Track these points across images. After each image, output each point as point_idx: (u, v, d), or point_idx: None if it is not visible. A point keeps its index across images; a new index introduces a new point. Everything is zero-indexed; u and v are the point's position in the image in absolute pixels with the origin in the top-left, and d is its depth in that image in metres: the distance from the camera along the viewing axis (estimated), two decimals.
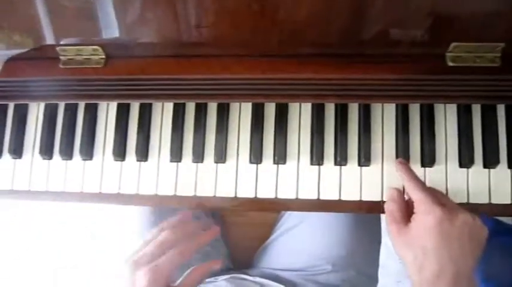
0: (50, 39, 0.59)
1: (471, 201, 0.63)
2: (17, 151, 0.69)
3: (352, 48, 0.57)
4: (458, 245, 0.53)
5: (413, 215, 0.56)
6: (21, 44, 0.60)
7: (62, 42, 0.60)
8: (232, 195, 0.67)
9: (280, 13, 0.53)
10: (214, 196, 0.67)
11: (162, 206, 0.78)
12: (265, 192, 0.66)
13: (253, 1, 0.52)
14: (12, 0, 0.55)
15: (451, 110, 0.65)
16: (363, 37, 0.57)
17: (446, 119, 0.65)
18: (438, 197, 0.57)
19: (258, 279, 0.80)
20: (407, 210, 0.59)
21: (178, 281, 0.60)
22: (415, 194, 0.57)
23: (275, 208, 0.67)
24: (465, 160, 0.63)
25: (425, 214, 0.54)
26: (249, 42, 0.57)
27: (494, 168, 0.63)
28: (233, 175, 0.67)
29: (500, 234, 1.06)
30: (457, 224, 0.53)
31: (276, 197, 0.66)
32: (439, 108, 0.65)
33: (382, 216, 0.75)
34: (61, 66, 0.60)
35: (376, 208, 0.65)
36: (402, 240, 0.56)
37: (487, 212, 0.64)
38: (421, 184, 0.59)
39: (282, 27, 0.55)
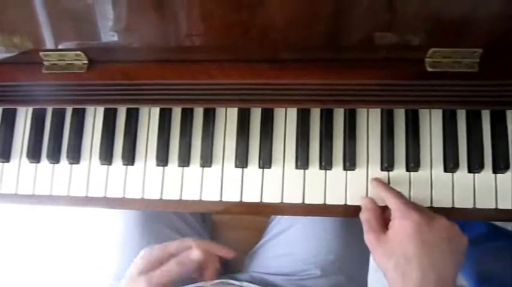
0: (47, 42, 0.59)
1: (456, 206, 0.63)
2: (4, 154, 0.69)
3: (332, 54, 0.57)
4: (438, 251, 0.53)
5: (390, 222, 0.57)
6: (20, 47, 0.60)
7: (55, 47, 0.60)
8: (218, 199, 0.67)
9: (259, 18, 0.53)
10: (200, 200, 0.67)
11: (149, 210, 0.78)
12: (251, 196, 0.66)
13: (233, 7, 0.53)
14: (9, 2, 0.56)
15: (436, 115, 0.65)
16: (343, 42, 0.57)
17: (431, 123, 0.65)
18: (416, 205, 0.57)
19: (245, 284, 0.79)
20: (384, 219, 0.59)
21: None
22: (391, 202, 0.58)
23: (260, 211, 0.67)
24: (450, 165, 0.63)
25: (402, 219, 0.55)
26: (229, 48, 0.57)
27: (479, 173, 0.63)
28: (219, 179, 0.67)
29: (494, 238, 1.06)
30: (435, 229, 0.53)
31: (261, 201, 0.66)
32: (424, 113, 0.65)
33: None
34: (44, 71, 0.61)
35: None
36: (382, 249, 0.56)
37: (474, 217, 0.64)
38: (398, 193, 0.59)
39: (262, 32, 0.55)
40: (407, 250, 0.53)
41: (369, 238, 0.58)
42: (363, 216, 0.61)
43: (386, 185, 0.62)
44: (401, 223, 0.55)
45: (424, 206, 0.63)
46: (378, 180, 0.63)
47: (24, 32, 0.58)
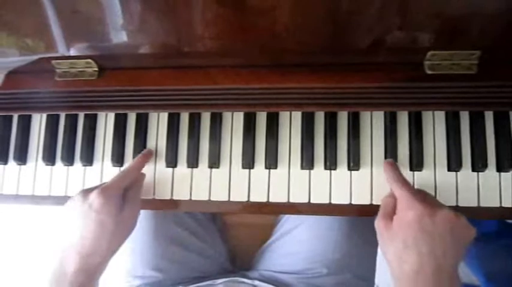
0: (59, 50, 0.61)
1: (460, 204, 0.64)
2: (21, 157, 0.72)
3: (333, 58, 0.58)
4: (439, 241, 0.53)
5: (396, 212, 0.58)
6: (32, 49, 0.62)
7: (67, 55, 0.62)
8: (226, 199, 0.68)
9: (262, 24, 0.55)
10: (209, 200, 0.69)
11: (160, 210, 0.80)
12: (258, 196, 0.68)
13: (236, 14, 0.54)
14: (23, 5, 0.58)
15: (439, 114, 0.66)
16: (343, 47, 0.58)
17: (435, 123, 0.66)
18: (423, 196, 0.58)
19: (256, 283, 0.81)
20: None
21: None
22: (397, 192, 0.59)
23: (268, 211, 0.68)
24: (454, 164, 0.64)
25: (406, 209, 0.56)
26: (232, 53, 0.59)
27: (482, 171, 0.64)
28: (226, 180, 0.69)
29: (505, 235, 1.06)
30: (437, 220, 0.54)
31: (268, 201, 0.67)
32: (427, 113, 0.66)
33: None
34: (57, 78, 0.63)
35: (367, 211, 0.66)
36: (386, 234, 0.57)
37: (479, 215, 0.65)
38: (406, 183, 0.60)
39: (265, 38, 0.56)
40: (407, 236, 0.54)
41: (378, 223, 0.59)
42: (384, 201, 0.61)
43: (397, 172, 0.62)
44: (404, 213, 0.56)
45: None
46: (389, 166, 0.63)
47: (36, 39, 0.60)
